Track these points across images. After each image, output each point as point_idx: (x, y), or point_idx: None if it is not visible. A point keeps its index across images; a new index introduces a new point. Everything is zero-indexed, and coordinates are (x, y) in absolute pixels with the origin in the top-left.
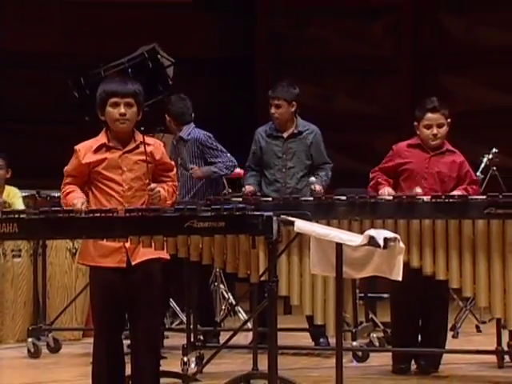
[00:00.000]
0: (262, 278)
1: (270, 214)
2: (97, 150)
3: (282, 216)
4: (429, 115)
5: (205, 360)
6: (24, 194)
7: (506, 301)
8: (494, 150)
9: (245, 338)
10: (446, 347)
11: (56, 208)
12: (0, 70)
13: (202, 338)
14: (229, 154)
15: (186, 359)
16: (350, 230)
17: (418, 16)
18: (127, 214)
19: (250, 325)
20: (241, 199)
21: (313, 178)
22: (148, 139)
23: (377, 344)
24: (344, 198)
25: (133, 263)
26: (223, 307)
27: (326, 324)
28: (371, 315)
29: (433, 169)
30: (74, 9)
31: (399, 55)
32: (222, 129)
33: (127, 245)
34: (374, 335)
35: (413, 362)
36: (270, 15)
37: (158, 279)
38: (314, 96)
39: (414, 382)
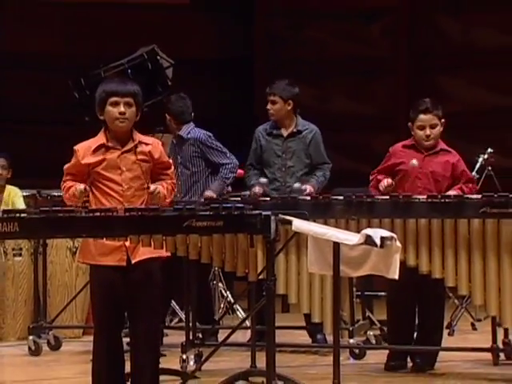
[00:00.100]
0: (260, 277)
1: (268, 213)
2: (96, 151)
3: (280, 215)
4: (421, 116)
5: (203, 357)
6: (25, 194)
7: (501, 299)
8: (490, 150)
9: (243, 335)
10: (442, 345)
11: (56, 207)
12: (0, 71)
13: (200, 335)
14: (229, 154)
15: (184, 357)
16: (347, 229)
17: (414, 17)
18: (127, 214)
19: (248, 323)
20: (239, 198)
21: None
22: (146, 138)
23: (373, 342)
24: (341, 197)
25: (133, 262)
26: (222, 305)
27: (323, 322)
28: (368, 313)
29: (427, 169)
30: (74, 10)
31: (396, 56)
32: (221, 129)
33: (127, 244)
34: (371, 333)
35: (409, 359)
36: (268, 17)
37: (158, 278)
38: (311, 97)
39: (410, 380)
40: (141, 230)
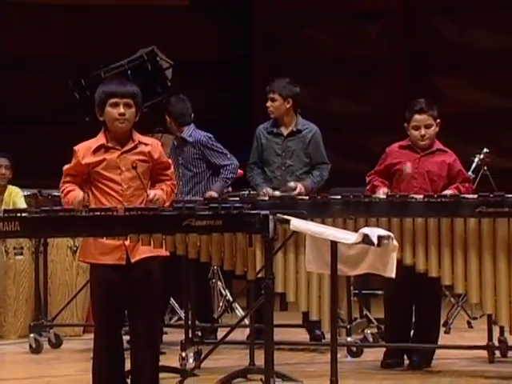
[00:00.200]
0: (259, 276)
1: (267, 212)
2: (96, 151)
3: (279, 215)
4: (416, 116)
5: (203, 355)
6: (26, 194)
7: (496, 297)
8: (486, 150)
9: (242, 333)
10: (438, 343)
11: (57, 207)
12: (1, 72)
13: (199, 333)
14: (229, 155)
15: (184, 354)
16: (344, 228)
17: (411, 19)
18: (127, 213)
19: (246, 321)
20: (238, 198)
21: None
22: (146, 139)
23: (371, 340)
24: (339, 197)
25: (132, 260)
26: (221, 304)
27: (321, 320)
28: (365, 311)
29: (422, 168)
30: (74, 12)
31: (392, 57)
32: (220, 129)
33: (127, 243)
34: (368, 331)
35: (406, 357)
36: (267, 18)
37: (157, 276)
38: (309, 97)
39: (407, 377)
40: (140, 229)
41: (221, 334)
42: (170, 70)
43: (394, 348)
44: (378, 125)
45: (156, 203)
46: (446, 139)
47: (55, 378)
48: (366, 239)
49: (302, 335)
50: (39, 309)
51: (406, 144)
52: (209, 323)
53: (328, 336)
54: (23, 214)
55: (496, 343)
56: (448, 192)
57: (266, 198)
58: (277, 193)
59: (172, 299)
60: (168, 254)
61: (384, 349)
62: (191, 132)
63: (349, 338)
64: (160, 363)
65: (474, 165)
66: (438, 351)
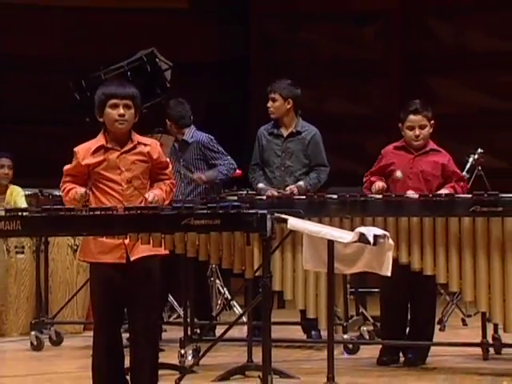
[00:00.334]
0: (257, 274)
1: (264, 211)
2: (95, 152)
3: (276, 214)
4: (411, 117)
5: (201, 352)
6: (27, 193)
7: (490, 295)
8: (480, 150)
9: (240, 331)
10: (433, 340)
11: (58, 206)
12: (1, 73)
13: (198, 331)
14: (229, 157)
15: (183, 352)
16: (341, 227)
17: (407, 21)
18: (126, 212)
19: (244, 318)
20: (236, 197)
21: (300, 183)
22: (145, 139)
23: (367, 337)
24: (335, 196)
25: (132, 259)
26: (219, 302)
27: (317, 318)
28: (361, 309)
29: (417, 168)
30: (75, 15)
31: (389, 58)
32: (219, 130)
33: (126, 242)
34: (364, 328)
35: (401, 354)
36: (264, 19)
37: (157, 275)
38: (306, 98)
39: (402, 374)
40: (140, 229)
41: (219, 331)
42: (169, 72)
43: (389, 345)
44: (374, 125)
45: (155, 204)
46: (441, 139)
47: (56, 375)
48: (363, 238)
49: (300, 333)
50: (40, 307)
51: (401, 145)
52: (207, 321)
53: (325, 333)
54: (24, 214)
55: (490, 340)
56: (444, 191)
57: (264, 198)
58: (269, 192)
59: (171, 297)
60: (167, 252)
61: (380, 346)
62: (192, 133)
63: (345, 336)
64: (159, 360)
65: (468, 165)
66: (432, 348)
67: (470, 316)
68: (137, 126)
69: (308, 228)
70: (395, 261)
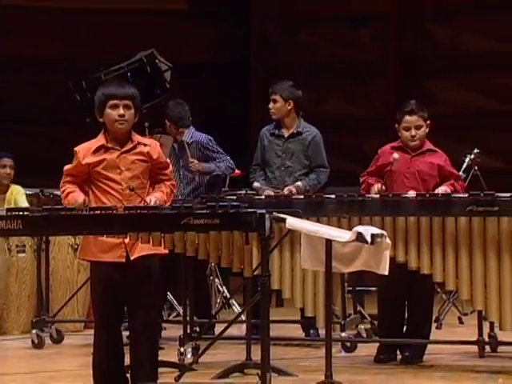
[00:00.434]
0: (255, 273)
1: (263, 211)
2: (96, 151)
3: (275, 213)
4: (407, 118)
5: (200, 350)
6: (28, 193)
7: (486, 294)
8: (476, 150)
9: (239, 329)
10: (430, 338)
11: (58, 206)
12: (2, 74)
13: (197, 329)
14: (228, 157)
15: (182, 350)
16: (339, 226)
17: (403, 23)
18: (126, 212)
19: (243, 317)
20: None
21: (299, 183)
22: (144, 139)
23: (364, 335)
24: (333, 196)
25: (131, 258)
26: (218, 300)
27: (315, 316)
28: (359, 308)
29: (414, 168)
30: (75, 16)
31: (386, 60)
32: (218, 130)
33: (126, 241)
34: (362, 327)
35: (398, 352)
36: (263, 21)
37: (156, 273)
38: (305, 99)
39: (399, 371)
40: (140, 228)
41: (218, 329)
42: (169, 73)
43: (386, 343)
44: (371, 126)
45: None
46: (438, 140)
47: (57, 373)
48: (360, 237)
49: (298, 331)
50: (41, 305)
51: (398, 145)
52: (207, 319)
53: (322, 331)
54: (25, 213)
55: (486, 338)
56: (443, 188)
57: (263, 197)
58: (267, 192)
59: (170, 296)
60: (167, 251)
61: (377, 344)
62: (192, 134)
63: (343, 334)
64: (159, 358)
65: (464, 165)
66: (429, 346)
67: (466, 314)
68: (136, 126)
69: (306, 227)
70: (392, 260)
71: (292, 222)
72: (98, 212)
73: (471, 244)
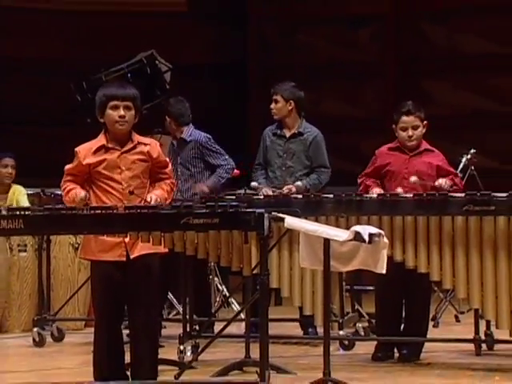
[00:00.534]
0: (254, 272)
1: (262, 210)
2: (96, 151)
3: (273, 213)
4: (404, 118)
5: (200, 348)
6: (29, 192)
7: (483, 292)
8: (473, 150)
9: (238, 327)
10: (427, 336)
11: (59, 205)
12: (2, 75)
13: (197, 327)
14: (227, 156)
15: (182, 348)
16: (337, 226)
17: (401, 24)
18: (126, 211)
19: (242, 315)
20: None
21: (298, 183)
22: (145, 139)
23: (362, 333)
24: (331, 195)
25: (131, 257)
26: (217, 299)
27: (314, 314)
28: (357, 306)
29: (412, 168)
30: (75, 18)
31: (383, 61)
32: (217, 131)
33: (126, 240)
34: (360, 325)
35: (396, 350)
36: (261, 23)
37: (156, 272)
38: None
39: (397, 369)
40: (140, 227)
41: (217, 327)
42: (169, 73)
43: (384, 341)
44: (369, 126)
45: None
46: (435, 140)
47: (58, 371)
48: (358, 236)
49: (296, 329)
50: (42, 304)
51: (395, 146)
52: (206, 317)
53: (321, 330)
54: (27, 212)
55: (482, 337)
56: (445, 180)
57: (261, 197)
58: (265, 190)
59: (170, 294)
60: (167, 250)
61: (375, 342)
62: (191, 132)
63: (341, 332)
64: (159, 356)
65: (461, 165)
66: (426, 344)
67: (463, 313)
68: (136, 126)
69: (305, 227)
70: (390, 259)
71: (290, 221)
72: (99, 211)
73: (468, 243)
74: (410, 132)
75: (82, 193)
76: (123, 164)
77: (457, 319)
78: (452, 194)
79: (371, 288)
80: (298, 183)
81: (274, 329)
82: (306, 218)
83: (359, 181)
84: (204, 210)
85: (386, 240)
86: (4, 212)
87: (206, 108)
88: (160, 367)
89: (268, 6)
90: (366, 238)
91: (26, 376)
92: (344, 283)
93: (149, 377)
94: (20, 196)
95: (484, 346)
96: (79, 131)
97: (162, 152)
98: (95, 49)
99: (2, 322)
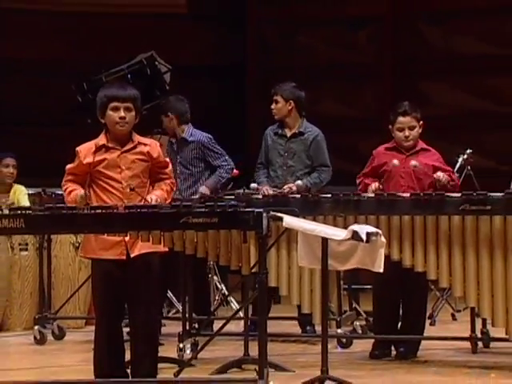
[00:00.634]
0: (253, 270)
1: (261, 210)
2: (97, 151)
3: (272, 212)
4: (400, 118)
5: (199, 346)
6: (30, 192)
7: (479, 291)
8: (469, 150)
9: (237, 326)
10: (424, 334)
11: (60, 205)
12: (2, 76)
13: (196, 326)
14: (227, 157)
15: (181, 346)
16: (334, 225)
17: (399, 25)
18: (127, 210)
19: (241, 314)
20: (233, 196)
21: (299, 181)
22: (145, 139)
23: (360, 331)
24: (329, 195)
25: (132, 256)
26: (217, 297)
27: (312, 313)
28: (354, 305)
29: (409, 168)
30: (75, 19)
31: (381, 62)
32: (217, 132)
33: (127, 239)
34: (357, 323)
35: (393, 348)
36: (260, 25)
37: (156, 271)
38: None
39: (394, 367)
40: (140, 226)
41: (217, 326)
42: (169, 74)
43: (381, 339)
44: (367, 127)
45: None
46: (432, 140)
47: (58, 368)
48: (356, 236)
49: (295, 327)
50: (43, 302)
51: (392, 146)
52: (206, 316)
53: (319, 328)
54: (28, 212)
55: (479, 335)
56: (442, 173)
57: (260, 197)
58: (265, 189)
59: (170, 293)
60: (166, 249)
61: (372, 340)
62: (191, 131)
63: (339, 330)
64: (158, 354)
65: (458, 165)
66: (423, 342)
67: (459, 311)
68: (136, 126)
69: (303, 226)
70: (387, 258)
71: (289, 220)
72: (99, 211)
73: (464, 242)
74: (407, 132)
75: (81, 191)
76: (123, 163)
77: (453, 317)
78: (448, 193)
79: (369, 287)
80: (299, 182)
81: (272, 327)
82: (304, 218)
83: (358, 180)
84: (203, 210)
85: (383, 239)
86: (5, 211)
87: (205, 109)
88: (160, 365)
89: (267, 8)
90: (364, 237)
91: (27, 374)
92: (342, 282)
93: (149, 374)
94: (21, 196)
95: (480, 343)
96: (79, 131)
97: (162, 152)
98: (95, 50)
99: (3, 320)
